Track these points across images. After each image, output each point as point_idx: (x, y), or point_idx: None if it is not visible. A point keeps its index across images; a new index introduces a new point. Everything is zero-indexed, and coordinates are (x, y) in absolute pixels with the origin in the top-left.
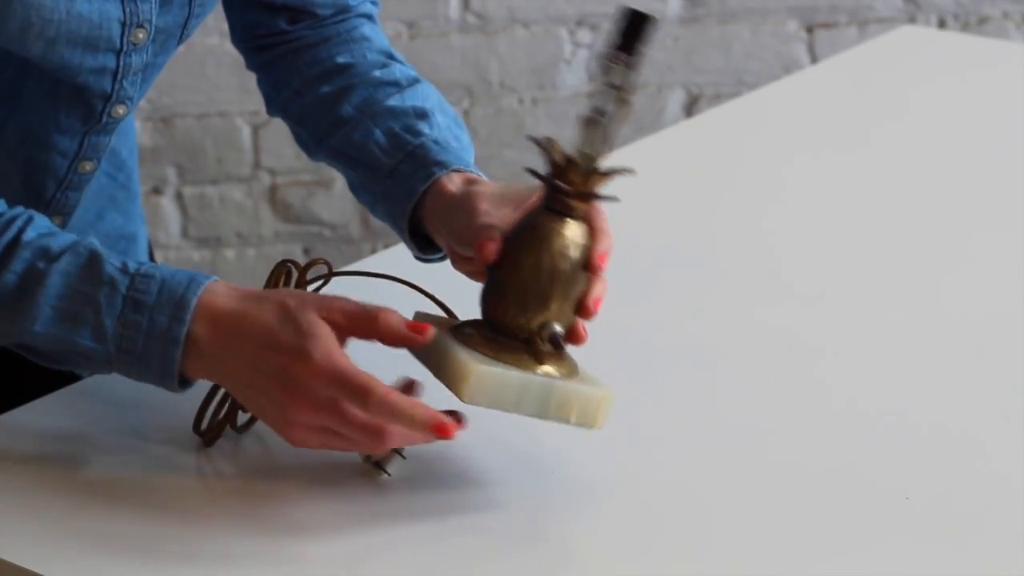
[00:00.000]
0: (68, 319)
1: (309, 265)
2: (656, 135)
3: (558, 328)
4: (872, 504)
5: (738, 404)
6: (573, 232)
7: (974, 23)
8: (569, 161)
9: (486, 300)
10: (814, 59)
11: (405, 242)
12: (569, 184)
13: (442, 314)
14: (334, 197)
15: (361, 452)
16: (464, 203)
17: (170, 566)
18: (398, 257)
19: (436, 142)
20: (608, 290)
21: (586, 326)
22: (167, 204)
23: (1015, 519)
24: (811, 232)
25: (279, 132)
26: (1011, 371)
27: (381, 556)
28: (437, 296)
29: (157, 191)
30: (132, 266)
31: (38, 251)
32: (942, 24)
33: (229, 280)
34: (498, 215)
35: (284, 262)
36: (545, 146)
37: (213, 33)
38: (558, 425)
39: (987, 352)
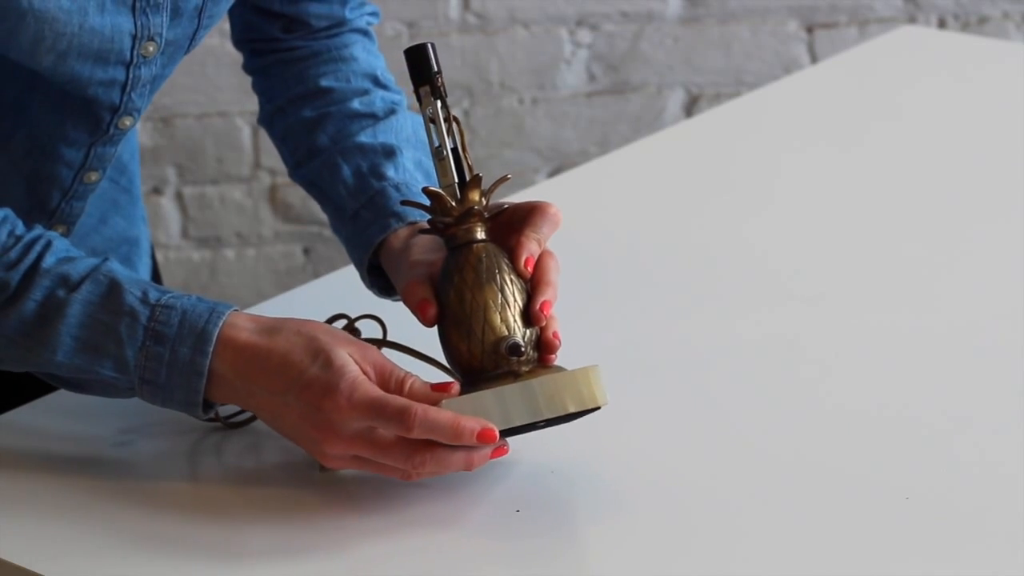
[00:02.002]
0: (89, 349)
1: (360, 318)
2: (656, 135)
3: (515, 338)
4: (872, 504)
5: (738, 405)
6: (483, 255)
7: (974, 23)
8: (436, 197)
9: (445, 354)
10: (814, 59)
11: (367, 287)
12: (451, 212)
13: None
14: None
15: (396, 477)
16: (402, 260)
17: (171, 566)
18: None
19: (397, 187)
20: (558, 297)
21: (558, 332)
22: (167, 204)
23: (1015, 519)
24: (811, 232)
25: None
26: (1011, 370)
27: (382, 563)
28: None
29: (157, 191)
30: (153, 296)
31: (58, 278)
32: (942, 24)
33: (229, 280)
34: (430, 262)
35: (338, 316)
36: (414, 203)
37: (213, 33)
38: (557, 429)
39: (987, 351)
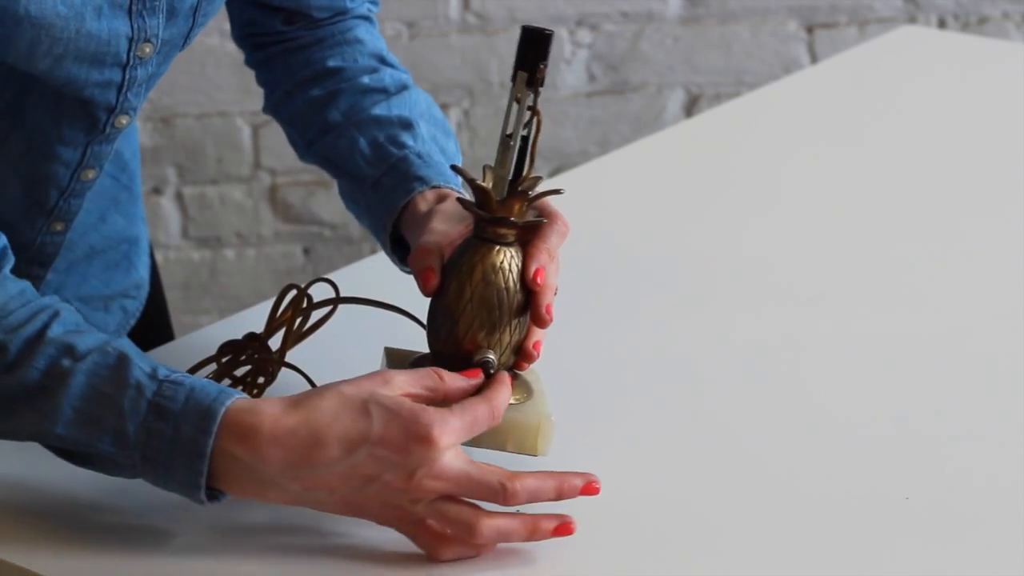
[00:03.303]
0: (90, 422)
1: (311, 283)
2: (656, 135)
3: (490, 356)
4: (872, 504)
5: (740, 405)
6: (500, 259)
7: (974, 23)
8: (479, 188)
9: (428, 323)
10: (814, 59)
11: (387, 254)
12: (490, 210)
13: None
14: (334, 197)
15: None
16: (424, 222)
17: (171, 566)
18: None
19: (419, 155)
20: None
21: (540, 343)
22: (167, 204)
23: (1015, 519)
24: (811, 232)
25: (279, 132)
26: (1010, 370)
27: (380, 562)
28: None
29: (157, 191)
30: (162, 372)
31: (63, 348)
32: (942, 24)
33: (229, 280)
34: (447, 232)
35: (290, 286)
36: (465, 175)
37: (213, 33)
38: (557, 430)
39: (987, 351)
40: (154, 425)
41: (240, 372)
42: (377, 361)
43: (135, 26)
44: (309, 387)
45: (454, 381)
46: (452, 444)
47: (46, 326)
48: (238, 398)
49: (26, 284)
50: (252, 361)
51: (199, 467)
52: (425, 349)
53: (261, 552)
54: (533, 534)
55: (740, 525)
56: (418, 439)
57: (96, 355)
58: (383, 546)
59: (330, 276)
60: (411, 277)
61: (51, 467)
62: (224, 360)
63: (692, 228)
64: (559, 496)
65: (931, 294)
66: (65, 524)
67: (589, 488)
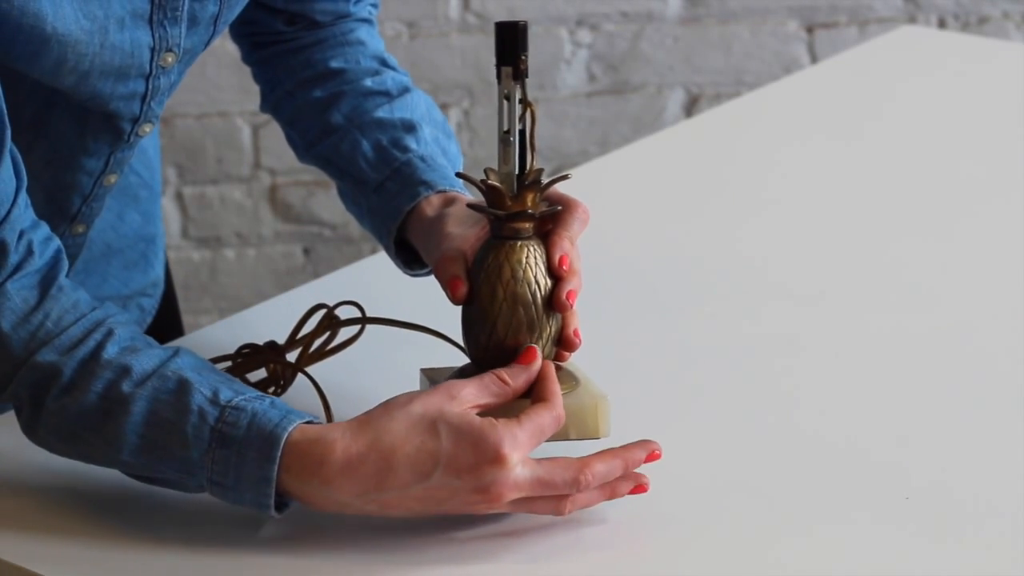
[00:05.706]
0: (155, 448)
1: (339, 305)
2: (656, 135)
3: (535, 348)
4: (872, 504)
5: (740, 404)
6: (524, 255)
7: (974, 23)
8: (491, 187)
9: (464, 334)
10: (814, 59)
11: (391, 258)
12: (505, 207)
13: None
14: (334, 197)
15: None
16: (436, 228)
17: (172, 565)
18: None
19: (423, 159)
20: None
21: (579, 330)
22: (167, 204)
23: (1015, 519)
24: (811, 232)
25: (279, 132)
26: (1011, 368)
27: (382, 560)
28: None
29: None
30: (223, 395)
31: (120, 370)
32: (942, 24)
33: (229, 280)
34: (465, 236)
35: (318, 306)
36: (473, 180)
37: None
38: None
39: (986, 350)
40: (218, 452)
41: (252, 378)
42: (392, 370)
43: (156, 36)
44: (318, 396)
45: (518, 379)
46: (522, 458)
47: (100, 346)
48: (301, 423)
49: (81, 295)
50: (267, 369)
51: (266, 490)
52: (448, 360)
53: (262, 551)
54: (612, 498)
55: (739, 524)
56: (488, 459)
57: (156, 380)
58: (383, 540)
59: (330, 276)
60: (411, 279)
61: (51, 467)
62: (239, 360)
63: (692, 228)
64: (627, 471)
65: (931, 293)
66: (65, 524)
67: (652, 456)
